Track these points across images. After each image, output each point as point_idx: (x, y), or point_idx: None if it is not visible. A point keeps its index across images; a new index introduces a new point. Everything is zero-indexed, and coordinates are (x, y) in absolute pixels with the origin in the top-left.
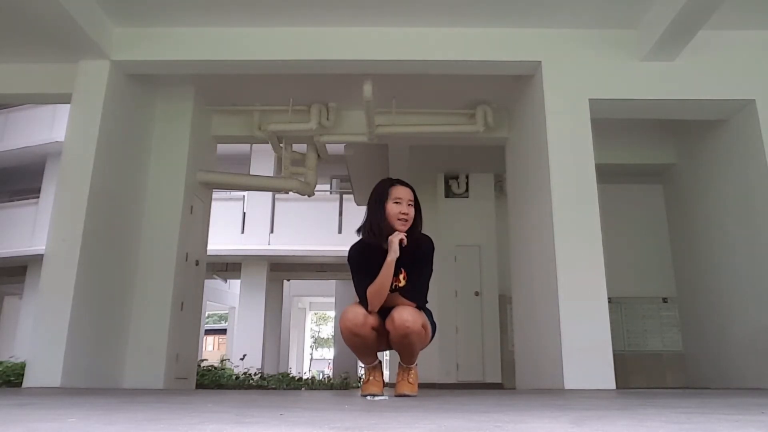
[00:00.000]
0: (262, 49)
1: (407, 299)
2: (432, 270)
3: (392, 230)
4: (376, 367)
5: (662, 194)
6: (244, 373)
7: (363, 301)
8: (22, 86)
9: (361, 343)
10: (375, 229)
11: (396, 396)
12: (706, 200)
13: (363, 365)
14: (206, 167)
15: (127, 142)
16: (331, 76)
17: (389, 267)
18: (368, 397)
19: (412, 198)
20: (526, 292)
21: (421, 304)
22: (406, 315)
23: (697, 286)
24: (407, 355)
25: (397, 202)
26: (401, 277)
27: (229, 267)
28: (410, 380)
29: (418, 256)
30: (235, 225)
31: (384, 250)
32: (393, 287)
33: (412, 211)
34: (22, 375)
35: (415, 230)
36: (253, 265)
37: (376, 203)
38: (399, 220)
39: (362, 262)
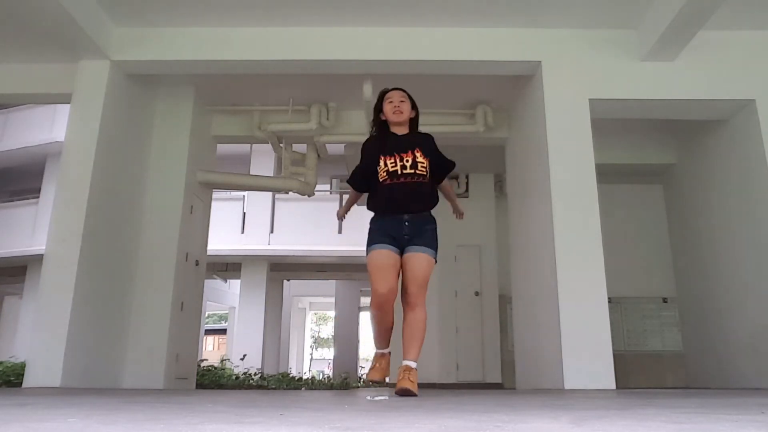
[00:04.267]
0: (262, 49)
1: (446, 169)
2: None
3: (388, 128)
4: (384, 355)
5: (662, 194)
6: (244, 373)
7: (352, 180)
8: (22, 86)
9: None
10: (375, 124)
11: (397, 393)
12: (706, 200)
13: (376, 348)
14: (206, 167)
15: (127, 142)
16: (331, 76)
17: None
18: (368, 397)
19: (403, 97)
20: (526, 292)
21: (451, 164)
22: (415, 281)
23: (697, 286)
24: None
25: (390, 102)
26: (417, 154)
27: (229, 267)
28: (411, 378)
29: (431, 146)
30: (235, 225)
31: (381, 144)
32: (412, 163)
33: (403, 105)
34: (22, 375)
35: (413, 122)
36: (253, 265)
37: (375, 108)
38: (393, 113)
39: (366, 150)
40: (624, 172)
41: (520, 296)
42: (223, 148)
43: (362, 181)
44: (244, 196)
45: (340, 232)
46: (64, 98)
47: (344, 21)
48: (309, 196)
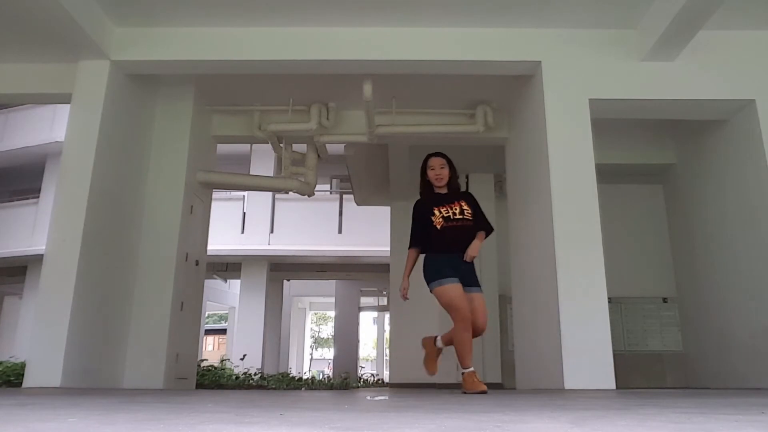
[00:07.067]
0: (262, 49)
1: (484, 229)
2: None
3: (433, 189)
4: (475, 371)
5: (662, 194)
6: (244, 373)
7: (413, 241)
8: (22, 86)
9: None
10: (425, 191)
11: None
12: (706, 200)
13: (465, 367)
14: (206, 167)
15: (127, 142)
16: (331, 76)
17: (406, 273)
18: (368, 397)
19: (443, 163)
20: (526, 292)
21: (490, 228)
22: (482, 319)
23: (697, 286)
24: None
25: (431, 169)
26: (463, 204)
27: (229, 267)
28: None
29: (473, 203)
30: (235, 225)
31: (431, 200)
32: (460, 211)
33: (443, 172)
34: (22, 375)
35: (452, 181)
36: (253, 265)
37: (421, 173)
38: (436, 179)
39: (419, 213)
40: (624, 172)
41: (520, 296)
42: (223, 148)
43: (422, 237)
44: (244, 196)
45: (340, 232)
46: (64, 98)
47: (344, 21)
48: (309, 196)
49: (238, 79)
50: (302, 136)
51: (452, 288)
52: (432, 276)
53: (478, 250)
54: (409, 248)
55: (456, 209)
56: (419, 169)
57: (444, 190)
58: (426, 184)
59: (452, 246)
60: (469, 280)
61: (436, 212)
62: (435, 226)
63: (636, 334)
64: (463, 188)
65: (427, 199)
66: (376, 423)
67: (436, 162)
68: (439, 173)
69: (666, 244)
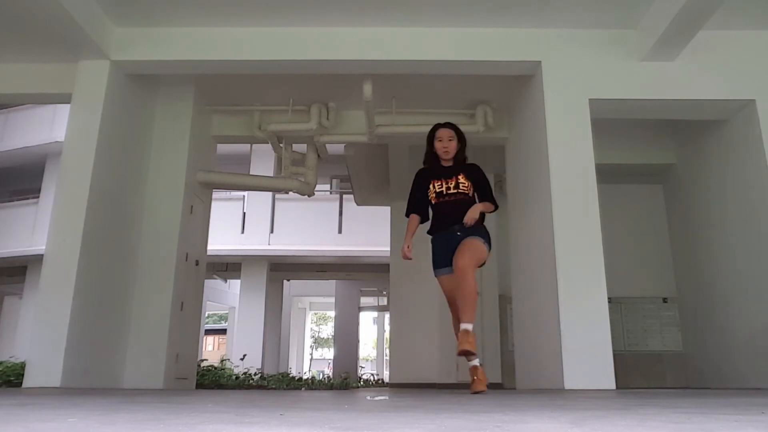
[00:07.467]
0: (262, 49)
1: (488, 202)
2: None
3: (439, 160)
4: (478, 366)
5: (662, 194)
6: (244, 373)
7: (407, 208)
8: (22, 86)
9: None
10: (429, 160)
11: (459, 354)
12: (706, 200)
13: (469, 360)
14: (206, 167)
15: (127, 142)
16: (331, 76)
17: (406, 237)
18: (368, 397)
19: (451, 135)
20: (526, 292)
21: (495, 203)
22: (460, 260)
23: (697, 286)
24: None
25: (439, 140)
26: (460, 177)
27: (229, 267)
28: (470, 340)
29: (475, 174)
30: (235, 225)
31: (431, 173)
32: (455, 185)
33: (451, 145)
34: (22, 375)
35: (458, 155)
36: (253, 265)
37: (428, 143)
38: (443, 151)
39: (417, 182)
40: (624, 172)
41: (520, 296)
42: (223, 148)
43: (413, 204)
44: (244, 196)
45: (340, 232)
46: (64, 98)
47: (344, 21)
48: (309, 196)
49: (238, 79)
50: (302, 136)
51: (443, 280)
52: (433, 262)
53: (478, 212)
54: (405, 215)
55: (451, 183)
56: (418, 168)
57: (449, 163)
58: (431, 155)
59: (447, 222)
60: (467, 233)
61: (431, 187)
62: (431, 201)
63: (636, 334)
64: None
65: (428, 169)
66: (376, 423)
67: (444, 133)
68: (446, 146)
69: (666, 244)
